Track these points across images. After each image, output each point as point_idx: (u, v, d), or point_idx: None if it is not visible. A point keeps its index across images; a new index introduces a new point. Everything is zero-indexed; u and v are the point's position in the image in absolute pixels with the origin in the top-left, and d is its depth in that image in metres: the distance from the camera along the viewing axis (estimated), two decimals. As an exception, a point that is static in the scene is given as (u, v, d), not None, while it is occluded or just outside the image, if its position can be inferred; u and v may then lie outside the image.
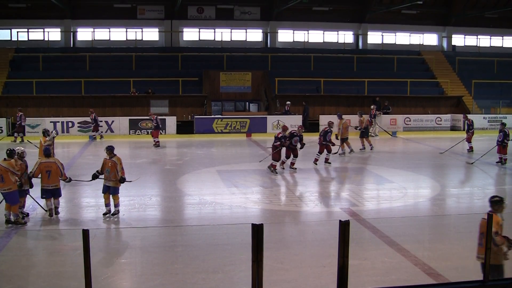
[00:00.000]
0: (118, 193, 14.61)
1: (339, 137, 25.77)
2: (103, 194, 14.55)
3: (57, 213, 14.41)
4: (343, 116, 26.93)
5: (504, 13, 46.97)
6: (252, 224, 7.82)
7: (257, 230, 7.73)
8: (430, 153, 27.70)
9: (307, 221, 14.55)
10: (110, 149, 15.14)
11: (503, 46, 50.03)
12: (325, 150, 23.15)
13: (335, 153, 24.97)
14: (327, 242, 12.10)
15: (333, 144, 23.57)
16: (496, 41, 49.99)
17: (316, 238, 12.90)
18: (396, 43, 47.69)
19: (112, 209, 14.46)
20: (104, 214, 14.35)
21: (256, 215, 15.28)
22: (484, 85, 40.95)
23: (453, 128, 31.35)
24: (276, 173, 20.69)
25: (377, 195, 18.36)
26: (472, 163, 23.90)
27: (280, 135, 21.44)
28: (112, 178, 14.44)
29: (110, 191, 14.45)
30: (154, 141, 28.58)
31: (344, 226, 7.91)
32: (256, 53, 42.94)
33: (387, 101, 36.25)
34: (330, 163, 23.19)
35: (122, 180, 14.50)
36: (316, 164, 22.83)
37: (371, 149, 27.35)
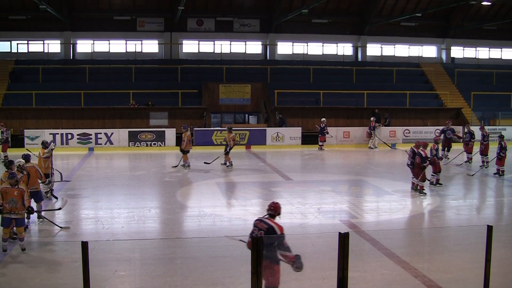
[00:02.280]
0: (24, 224, 13.06)
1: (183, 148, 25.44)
2: (3, 229, 12.72)
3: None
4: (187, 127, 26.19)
5: (502, 25, 47.12)
6: (252, 236, 7.82)
7: (257, 243, 7.74)
8: (430, 165, 27.66)
9: (307, 233, 14.50)
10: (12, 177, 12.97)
11: (502, 58, 50.12)
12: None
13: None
14: (327, 255, 12.07)
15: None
16: (495, 53, 50.10)
17: (316, 250, 12.85)
18: (395, 55, 47.79)
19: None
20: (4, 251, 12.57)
21: (256, 227, 15.25)
22: (483, 97, 41.00)
23: (453, 140, 31.25)
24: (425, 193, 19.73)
25: (376, 207, 18.35)
26: (472, 175, 23.91)
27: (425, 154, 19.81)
28: (19, 209, 12.66)
29: (15, 223, 12.76)
30: (4, 156, 26.29)
31: (343, 239, 7.93)
32: (256, 65, 43.01)
33: (387, 113, 36.27)
34: None
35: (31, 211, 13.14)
36: None
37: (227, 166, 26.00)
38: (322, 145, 33.03)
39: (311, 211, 16.86)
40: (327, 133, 33.18)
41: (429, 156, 20.07)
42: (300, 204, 17.79)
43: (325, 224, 15.32)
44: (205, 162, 25.88)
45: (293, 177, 23.45)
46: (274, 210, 9.36)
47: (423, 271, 11.50)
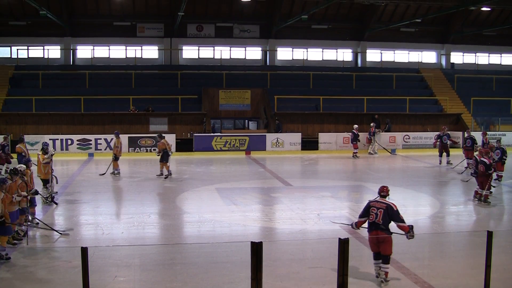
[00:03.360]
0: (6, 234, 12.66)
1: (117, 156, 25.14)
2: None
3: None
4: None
5: (502, 30, 47.20)
6: (252, 242, 7.81)
7: (257, 248, 7.73)
8: (430, 171, 27.71)
9: (307, 239, 14.50)
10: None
11: (502, 63, 50.19)
12: None
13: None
14: (327, 260, 12.07)
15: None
16: (495, 59, 50.17)
17: (316, 256, 12.85)
18: (395, 60, 47.86)
19: None
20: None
21: (256, 233, 15.24)
22: (483, 102, 41.02)
23: (452, 146, 31.31)
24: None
25: (376, 213, 18.33)
26: (466, 181, 23.89)
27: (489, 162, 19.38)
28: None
29: None
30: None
31: (343, 244, 7.93)
32: (255, 71, 43.03)
33: (388, 119, 36.26)
34: None
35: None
36: None
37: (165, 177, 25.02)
38: (356, 152, 32.68)
39: (311, 216, 16.84)
40: (359, 140, 33.15)
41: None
42: (300, 210, 17.78)
43: (325, 230, 15.30)
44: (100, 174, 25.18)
45: (293, 182, 23.44)
46: (386, 192, 11.90)
47: (423, 276, 11.49)
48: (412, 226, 11.32)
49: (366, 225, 11.69)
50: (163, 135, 25.90)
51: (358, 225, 11.94)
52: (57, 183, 19.66)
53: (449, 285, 11.25)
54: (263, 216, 17.34)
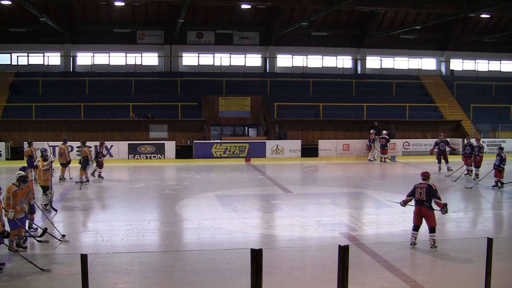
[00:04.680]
0: None
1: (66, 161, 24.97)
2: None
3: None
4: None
5: (501, 37, 47.30)
6: (251, 249, 7.80)
7: (256, 255, 7.72)
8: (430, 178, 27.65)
9: (307, 246, 14.49)
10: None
11: (501, 70, 50.26)
12: None
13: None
14: (327, 267, 12.06)
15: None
16: (494, 65, 50.23)
17: (316, 263, 12.84)
18: (395, 67, 47.92)
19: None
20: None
21: (256, 240, 15.23)
22: (482, 109, 41.05)
23: (452, 153, 31.36)
24: None
25: (376, 220, 18.33)
26: (470, 188, 23.92)
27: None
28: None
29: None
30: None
31: (343, 251, 7.92)
32: (255, 77, 43.08)
33: (393, 125, 36.16)
34: None
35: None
36: None
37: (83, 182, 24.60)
38: (386, 157, 33.58)
39: (310, 223, 16.83)
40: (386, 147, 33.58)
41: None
42: (299, 217, 17.76)
43: (325, 237, 15.29)
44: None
45: (293, 189, 23.43)
46: (426, 176, 14.70)
47: (423, 283, 11.48)
48: (446, 204, 14.25)
49: (412, 202, 14.45)
50: (86, 142, 26.07)
51: (405, 202, 14.70)
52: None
53: (449, 292, 11.27)
54: (263, 223, 17.32)
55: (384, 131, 33.69)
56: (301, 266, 12.73)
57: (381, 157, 33.50)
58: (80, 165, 24.57)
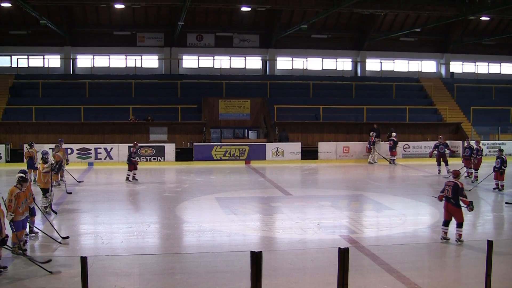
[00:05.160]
0: None
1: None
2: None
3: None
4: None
5: (501, 40, 47.36)
6: (251, 251, 7.80)
7: (256, 258, 7.72)
8: (429, 180, 27.70)
9: (307, 249, 14.49)
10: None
11: (501, 72, 50.32)
12: None
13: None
14: (327, 270, 12.06)
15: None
16: (494, 68, 50.28)
17: (316, 265, 12.83)
18: (395, 70, 47.96)
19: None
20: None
21: (255, 242, 15.22)
22: (482, 112, 41.07)
23: (452, 155, 31.36)
24: None
25: (376, 222, 18.31)
26: (469, 190, 23.91)
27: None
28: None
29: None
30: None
31: (343, 254, 7.92)
32: (255, 80, 43.10)
33: (393, 128, 36.14)
34: None
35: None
36: None
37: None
38: (394, 159, 33.98)
39: (311, 226, 16.82)
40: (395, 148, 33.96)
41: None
42: (300, 219, 17.75)
43: (325, 239, 15.27)
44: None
45: (293, 192, 23.42)
46: (455, 174, 15.48)
47: (423, 286, 11.47)
48: (472, 201, 14.96)
49: None
50: (60, 145, 25.47)
51: (439, 198, 15.47)
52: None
53: (449, 295, 11.27)
54: (263, 225, 17.32)
55: (394, 133, 33.76)
56: (301, 269, 12.72)
57: (390, 159, 33.57)
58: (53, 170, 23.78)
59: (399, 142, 34.80)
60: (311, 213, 19.00)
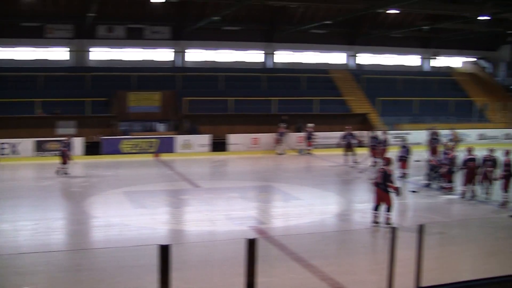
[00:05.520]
0: None
1: None
2: None
3: None
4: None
5: (407, 33, 48.58)
6: (159, 245, 7.77)
7: (164, 251, 7.69)
8: (336, 170, 28.21)
9: (216, 241, 14.53)
10: None
11: (407, 64, 51.64)
12: None
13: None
14: (235, 261, 12.06)
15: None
16: (400, 60, 51.55)
17: (224, 257, 12.88)
18: (305, 62, 48.39)
19: None
20: None
21: (164, 235, 15.18)
22: (388, 103, 42.00)
23: (359, 145, 31.93)
24: None
25: (284, 212, 18.54)
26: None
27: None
28: None
29: None
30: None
31: (251, 244, 7.98)
32: (166, 72, 42.68)
33: (301, 120, 36.48)
34: None
35: None
36: None
37: None
38: (310, 149, 34.34)
39: (219, 218, 16.89)
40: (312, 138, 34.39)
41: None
42: (208, 212, 17.80)
43: (234, 231, 15.36)
44: None
45: (202, 184, 23.42)
46: (386, 162, 16.35)
47: (330, 274, 11.71)
48: (399, 187, 16.37)
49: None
50: None
51: (373, 184, 16.26)
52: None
53: (355, 281, 11.53)
54: (171, 218, 17.29)
55: (310, 124, 34.26)
56: (210, 261, 12.77)
57: (305, 150, 34.14)
58: None
59: (302, 133, 35.37)
60: (220, 205, 19.07)
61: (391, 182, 15.75)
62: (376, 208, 15.99)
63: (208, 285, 11.29)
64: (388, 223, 15.51)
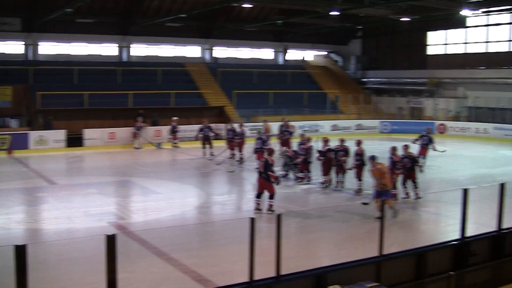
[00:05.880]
0: None
1: None
2: None
3: None
4: None
5: (262, 27, 49.53)
6: (15, 245, 7.57)
7: (20, 252, 7.50)
8: (195, 163, 28.38)
9: (74, 238, 14.25)
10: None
11: (262, 57, 52.68)
12: None
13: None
14: (95, 258, 11.88)
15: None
16: (255, 53, 52.52)
17: (84, 255, 12.67)
18: (161, 55, 48.20)
19: None
20: None
21: (20, 235, 14.71)
22: (244, 95, 42.65)
23: (216, 138, 32.24)
24: None
25: (144, 207, 18.49)
26: (232, 171, 24.91)
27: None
28: None
29: None
30: None
31: (110, 240, 7.95)
32: (17, 66, 41.05)
33: (156, 113, 36.43)
34: None
35: None
36: None
37: None
38: (176, 143, 34.27)
39: (77, 215, 16.59)
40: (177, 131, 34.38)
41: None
42: (66, 209, 17.43)
43: (93, 227, 15.13)
44: None
45: (58, 181, 22.81)
46: (270, 152, 17.41)
47: (191, 266, 11.84)
48: (278, 176, 17.11)
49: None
50: None
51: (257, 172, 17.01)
52: None
53: (217, 272, 11.72)
54: (27, 217, 16.77)
55: (174, 118, 34.55)
56: (69, 259, 12.53)
57: (174, 143, 34.39)
58: None
59: (158, 126, 35.46)
60: (78, 202, 18.72)
61: (272, 171, 16.49)
62: (259, 196, 16.79)
63: (68, 284, 11.10)
64: (270, 210, 16.49)
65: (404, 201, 18.56)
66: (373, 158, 16.57)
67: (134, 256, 12.45)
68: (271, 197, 16.69)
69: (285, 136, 28.81)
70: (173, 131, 34.35)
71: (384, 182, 15.73)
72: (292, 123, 30.99)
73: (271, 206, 16.62)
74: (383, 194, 15.58)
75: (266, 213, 16.41)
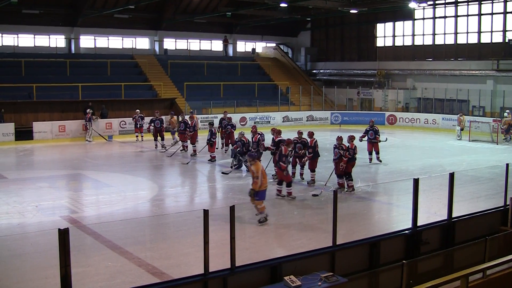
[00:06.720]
0: None
1: None
2: None
3: None
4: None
5: (211, 18, 49.44)
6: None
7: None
8: (146, 155, 28.25)
9: (26, 233, 14.08)
10: None
11: (212, 49, 52.60)
12: None
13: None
14: (48, 253, 11.85)
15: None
16: (205, 45, 52.42)
17: (36, 249, 12.54)
18: (109, 47, 47.74)
19: None
20: None
21: (-31, 232, 14.46)
22: (195, 87, 42.62)
23: (167, 130, 32.13)
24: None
25: (96, 200, 18.36)
26: (187, 163, 24.89)
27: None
28: None
29: None
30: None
31: (63, 235, 7.86)
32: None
33: (104, 105, 36.17)
34: None
35: None
36: None
37: None
38: (143, 135, 33.80)
39: (29, 209, 16.37)
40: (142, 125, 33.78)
41: None
42: (17, 203, 17.18)
43: (45, 222, 14.98)
44: None
45: (8, 175, 22.43)
46: (289, 142, 18.37)
47: (146, 259, 11.83)
48: (286, 168, 17.42)
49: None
50: None
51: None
52: None
53: (171, 265, 11.72)
54: (-23, 214, 16.48)
55: (137, 110, 34.16)
56: (21, 255, 12.38)
57: (140, 135, 33.89)
58: None
59: (109, 119, 35.20)
60: (29, 196, 18.48)
61: (283, 162, 17.38)
62: (279, 183, 17.73)
63: (20, 280, 10.96)
64: (291, 197, 17.57)
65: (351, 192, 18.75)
66: None
67: (88, 250, 12.38)
68: (288, 185, 17.49)
69: (228, 130, 28.32)
70: (137, 124, 33.85)
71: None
72: (195, 115, 30.38)
73: (289, 193, 17.50)
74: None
75: (288, 198, 17.44)
